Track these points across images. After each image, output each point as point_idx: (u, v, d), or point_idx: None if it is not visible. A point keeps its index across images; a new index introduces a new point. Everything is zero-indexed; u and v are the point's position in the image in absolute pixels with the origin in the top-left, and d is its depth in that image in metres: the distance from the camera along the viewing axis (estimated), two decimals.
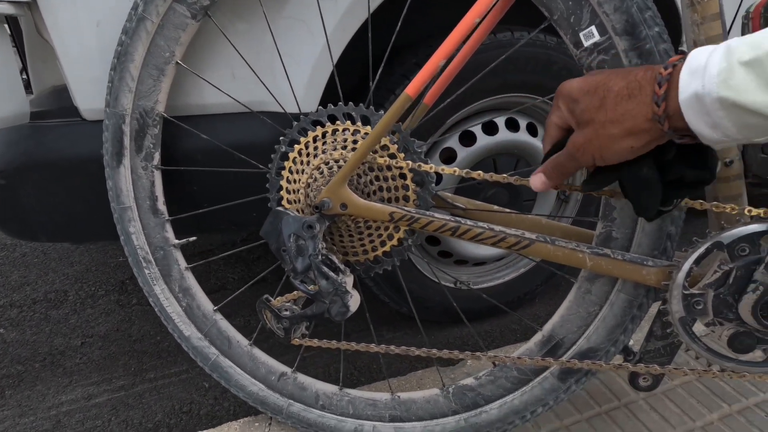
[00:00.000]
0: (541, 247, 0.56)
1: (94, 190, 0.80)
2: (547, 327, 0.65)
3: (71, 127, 0.80)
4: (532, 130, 1.10)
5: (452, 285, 1.23)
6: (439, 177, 1.06)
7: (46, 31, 0.72)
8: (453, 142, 1.06)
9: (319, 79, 0.81)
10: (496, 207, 0.70)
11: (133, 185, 0.76)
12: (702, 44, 0.51)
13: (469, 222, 0.57)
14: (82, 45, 0.73)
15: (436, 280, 1.19)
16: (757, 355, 0.53)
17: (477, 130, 1.06)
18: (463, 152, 1.05)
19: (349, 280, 0.60)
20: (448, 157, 1.06)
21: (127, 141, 0.74)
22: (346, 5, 0.76)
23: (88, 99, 0.77)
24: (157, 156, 0.76)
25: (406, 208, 0.58)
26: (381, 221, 0.59)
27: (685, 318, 0.53)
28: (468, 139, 1.06)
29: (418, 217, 0.57)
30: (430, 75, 0.54)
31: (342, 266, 0.60)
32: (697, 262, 0.52)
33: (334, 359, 1.17)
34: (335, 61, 0.79)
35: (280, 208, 0.59)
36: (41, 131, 0.80)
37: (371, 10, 0.75)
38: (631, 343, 0.69)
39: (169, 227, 0.79)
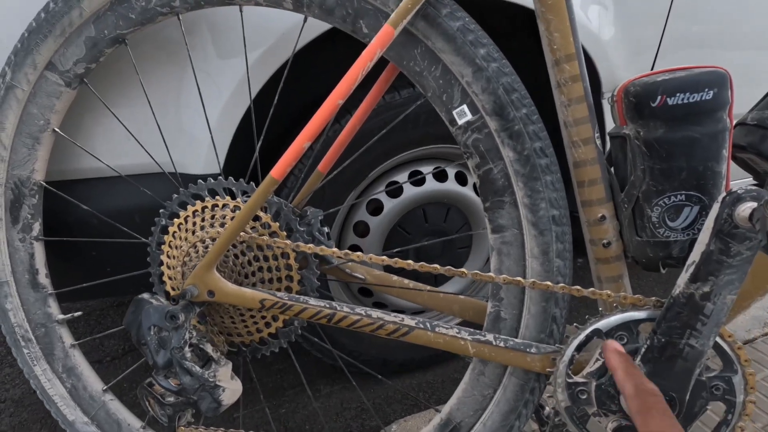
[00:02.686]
0: (421, 334, 0.53)
1: None
2: (446, 409, 0.61)
3: None
4: (461, 179, 1.09)
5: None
6: (367, 228, 1.03)
7: None
8: (380, 194, 1.03)
9: (221, 138, 0.78)
10: (394, 278, 0.67)
11: (10, 258, 0.70)
12: (570, 126, 0.50)
13: (345, 309, 0.54)
14: None
15: None
16: None
17: (403, 180, 1.04)
18: (389, 203, 1.03)
19: (224, 371, 0.55)
20: (376, 207, 1.03)
21: (1, 212, 0.68)
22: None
23: None
24: (36, 226, 0.70)
25: (278, 295, 0.54)
26: (254, 308, 0.54)
27: (571, 408, 0.50)
28: (395, 189, 1.04)
29: (291, 305, 0.53)
30: (295, 157, 0.51)
31: (216, 355, 0.55)
32: (578, 349, 0.49)
33: None
34: (237, 122, 0.76)
35: (143, 296, 0.54)
36: None
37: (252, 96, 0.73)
38: (546, 411, 0.66)
39: (52, 302, 0.73)
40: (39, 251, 0.71)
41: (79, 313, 0.74)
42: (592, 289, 0.49)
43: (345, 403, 1.18)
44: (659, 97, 0.43)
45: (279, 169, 0.51)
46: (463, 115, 0.52)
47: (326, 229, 0.68)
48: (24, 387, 1.29)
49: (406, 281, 0.66)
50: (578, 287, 0.49)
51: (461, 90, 0.52)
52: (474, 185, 1.11)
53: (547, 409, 0.65)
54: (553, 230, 0.51)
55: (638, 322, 0.47)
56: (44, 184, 0.69)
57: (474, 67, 0.50)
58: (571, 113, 0.50)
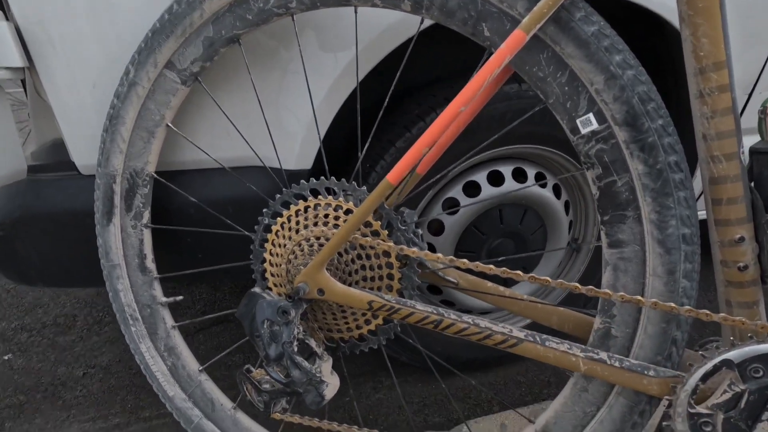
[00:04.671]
0: (530, 347, 0.52)
1: (89, 242, 0.80)
2: (540, 421, 0.60)
3: (68, 181, 0.80)
4: (540, 180, 1.05)
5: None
6: (441, 226, 1.03)
7: (44, 91, 0.72)
8: (456, 192, 1.02)
9: (314, 135, 0.79)
10: (489, 284, 0.66)
11: (123, 243, 0.75)
12: (712, 139, 0.47)
13: (453, 316, 0.54)
14: (79, 105, 0.74)
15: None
16: None
17: (482, 180, 1.02)
18: (466, 202, 1.01)
19: (326, 366, 0.57)
20: (451, 205, 1.02)
21: (117, 200, 0.73)
22: (344, 63, 0.74)
23: (84, 155, 0.78)
24: (146, 214, 0.75)
25: (386, 297, 0.54)
26: (361, 309, 0.56)
27: None
28: (473, 189, 1.02)
29: (399, 308, 0.53)
30: (413, 162, 0.51)
31: (320, 351, 0.57)
32: (703, 379, 0.46)
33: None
34: (333, 115, 0.77)
35: (255, 290, 0.57)
36: (39, 185, 0.80)
37: (362, 72, 0.73)
38: None
39: (157, 285, 0.78)
40: (147, 237, 0.76)
41: (181, 297, 0.79)
42: (723, 314, 0.46)
43: (407, 397, 1.19)
44: None
45: (395, 174, 0.51)
46: (588, 124, 0.50)
47: (420, 231, 0.68)
48: (110, 355, 1.40)
49: (501, 288, 0.65)
50: (707, 311, 0.46)
51: (588, 98, 0.49)
52: (554, 187, 1.07)
53: None
54: (683, 249, 0.48)
55: None
56: (155, 175, 0.74)
57: (607, 74, 0.48)
58: (714, 126, 0.46)
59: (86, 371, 1.35)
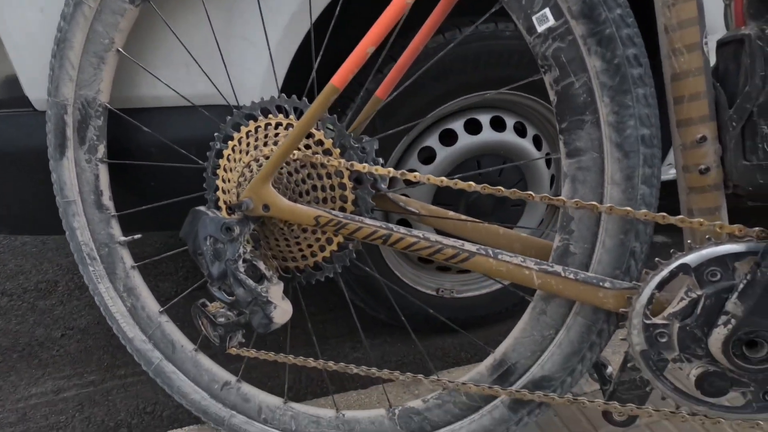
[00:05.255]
0: (482, 261, 0.49)
1: (48, 183, 0.77)
2: (500, 350, 0.57)
3: (22, 118, 0.77)
4: (520, 130, 1.02)
5: (434, 293, 1.16)
6: (433, 155, 0.99)
7: None
8: (433, 141, 0.99)
9: (278, 67, 0.76)
10: (451, 213, 0.63)
11: (77, 178, 0.73)
12: (673, 30, 0.43)
13: (402, 230, 0.51)
14: (27, 32, 0.70)
15: (415, 286, 1.13)
16: (734, 397, 0.44)
17: (459, 128, 0.99)
18: (443, 152, 0.98)
19: (275, 289, 0.55)
20: (428, 156, 0.99)
21: (69, 132, 0.71)
22: None
23: (37, 88, 0.75)
24: (101, 149, 0.72)
25: (333, 213, 0.52)
26: (308, 225, 0.53)
27: (648, 351, 0.45)
28: (450, 138, 0.99)
29: (346, 223, 0.51)
30: (357, 63, 0.48)
31: (269, 273, 0.55)
32: (659, 287, 0.44)
33: (282, 368, 1.11)
34: (294, 50, 0.74)
35: (199, 208, 0.54)
36: None
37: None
38: (609, 370, 0.61)
39: (114, 223, 0.75)
40: (103, 173, 0.73)
41: (139, 235, 0.76)
42: (681, 216, 0.43)
43: (385, 356, 1.18)
44: None
45: (340, 77, 0.48)
46: (544, 20, 0.47)
47: (381, 160, 0.65)
48: (89, 317, 1.39)
49: (463, 216, 0.63)
50: (664, 214, 0.44)
51: None
52: (534, 139, 1.03)
53: (610, 368, 0.61)
54: (642, 152, 0.45)
55: (735, 256, 0.41)
56: (109, 106, 0.71)
57: None
58: (676, 14, 0.43)
59: (64, 333, 1.34)
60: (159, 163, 0.75)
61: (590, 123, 0.47)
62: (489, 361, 0.58)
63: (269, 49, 0.66)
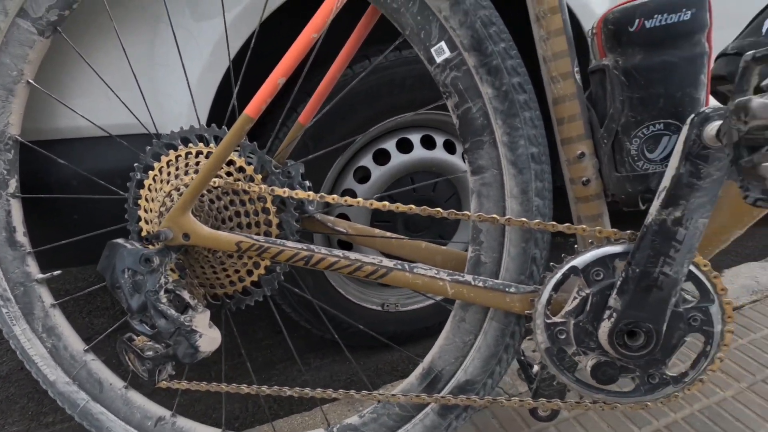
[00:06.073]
0: (399, 275, 0.52)
1: None
2: (427, 359, 0.60)
3: None
4: (449, 148, 1.08)
5: (380, 308, 1.18)
6: (354, 195, 1.02)
7: None
8: (367, 161, 1.02)
9: (203, 96, 0.76)
10: (377, 231, 0.66)
11: None
12: (549, 61, 0.49)
13: (323, 251, 0.53)
14: None
15: (361, 303, 1.14)
16: (625, 383, 0.50)
17: (392, 148, 1.03)
18: (377, 171, 1.02)
19: (201, 318, 0.54)
20: (363, 176, 1.02)
21: None
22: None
23: None
24: (13, 183, 0.69)
25: (254, 237, 0.53)
26: (231, 251, 0.53)
27: (551, 348, 0.50)
28: (383, 157, 1.03)
29: (268, 247, 0.52)
30: (269, 94, 0.50)
31: (193, 302, 0.55)
32: (555, 288, 0.48)
33: (229, 397, 1.09)
34: (219, 79, 0.75)
35: (117, 240, 0.53)
36: None
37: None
38: (534, 369, 0.66)
39: (31, 260, 0.71)
40: (16, 208, 0.70)
41: (59, 271, 0.73)
42: (567, 224, 0.48)
43: (335, 375, 1.17)
44: (637, 21, 0.42)
45: (253, 107, 0.50)
46: (441, 52, 0.51)
47: (307, 183, 0.67)
48: (11, 363, 1.28)
49: (388, 234, 0.66)
50: (554, 222, 0.49)
51: (439, 26, 0.51)
52: (462, 154, 1.10)
53: (536, 367, 0.65)
54: (532, 168, 0.51)
55: (614, 256, 0.46)
56: (20, 139, 0.68)
57: (450, 0, 0.49)
58: (551, 47, 0.49)
59: None
60: (73, 196, 0.73)
61: (488, 143, 0.52)
62: (418, 370, 0.61)
63: (186, 77, 0.67)
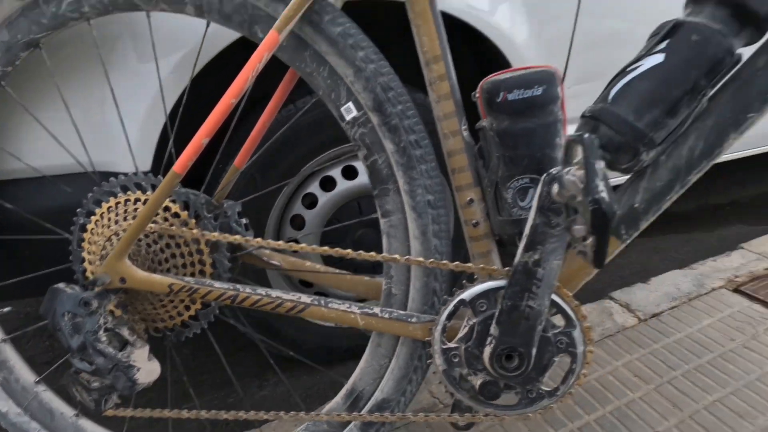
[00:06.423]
0: (316, 310, 0.59)
1: None
2: (351, 379, 0.67)
3: None
4: None
5: (333, 324, 1.24)
6: (303, 220, 1.08)
7: None
8: (314, 188, 1.08)
9: (148, 136, 0.81)
10: (308, 264, 0.73)
11: None
12: (441, 120, 0.57)
13: (247, 290, 0.59)
14: None
15: (314, 320, 1.20)
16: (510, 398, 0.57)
17: (337, 175, 1.09)
18: (324, 197, 1.08)
19: (140, 352, 0.60)
20: (312, 201, 1.09)
21: None
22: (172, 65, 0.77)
23: None
24: None
25: (184, 279, 0.58)
26: (163, 293, 0.59)
27: (448, 370, 0.57)
28: (330, 183, 1.09)
29: (197, 288, 0.58)
30: (195, 152, 0.56)
31: (132, 339, 0.60)
32: (449, 318, 0.56)
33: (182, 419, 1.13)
34: (163, 121, 0.80)
35: (58, 285, 0.58)
36: None
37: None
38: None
39: None
40: None
41: (9, 308, 0.76)
42: (456, 263, 0.56)
43: (293, 390, 1.23)
44: (502, 94, 0.50)
45: (180, 164, 0.56)
46: (349, 111, 0.58)
47: (244, 220, 0.73)
48: None
49: (317, 266, 0.72)
50: (445, 261, 0.56)
51: (347, 89, 0.58)
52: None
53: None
54: (430, 213, 0.58)
55: (495, 290, 0.54)
56: None
57: (355, 68, 0.56)
58: (441, 108, 0.56)
59: None
60: (18, 237, 0.77)
61: (393, 191, 0.59)
62: (343, 390, 0.67)
63: (121, 121, 0.72)
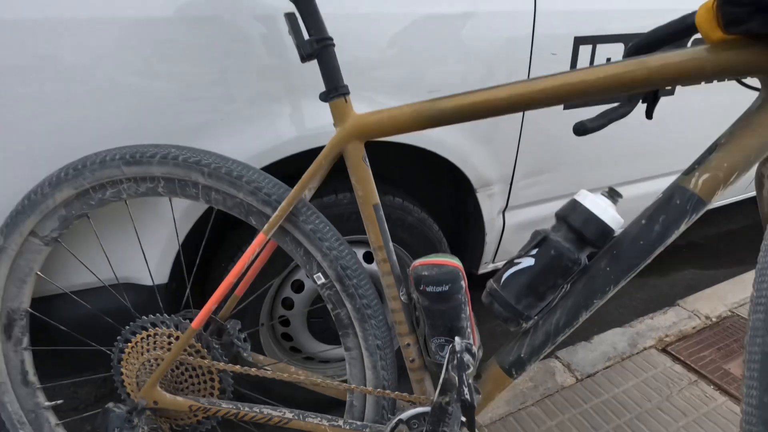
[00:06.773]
0: (297, 423, 0.81)
1: None
2: None
3: None
4: (368, 258, 1.36)
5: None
6: (292, 302, 1.30)
7: None
8: (302, 275, 1.30)
9: (167, 256, 1.03)
10: (292, 369, 0.95)
11: (6, 365, 0.94)
12: (385, 288, 0.79)
13: (246, 407, 0.81)
14: None
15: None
16: None
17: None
18: (309, 282, 1.30)
19: None
20: (299, 286, 1.30)
21: None
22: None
23: None
24: (25, 340, 0.94)
25: (201, 401, 0.81)
26: (185, 413, 0.81)
27: None
28: None
29: (209, 407, 0.80)
30: (209, 312, 0.77)
31: None
32: (392, 431, 0.78)
33: None
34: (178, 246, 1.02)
35: (109, 405, 0.80)
36: None
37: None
38: None
39: (40, 393, 0.97)
40: (28, 358, 0.95)
41: (61, 401, 0.99)
42: (397, 392, 0.78)
43: None
44: (422, 285, 0.72)
45: (197, 322, 0.77)
46: (319, 278, 0.80)
47: (243, 335, 0.95)
48: None
49: (292, 369, 0.94)
50: (388, 391, 0.78)
51: (317, 264, 0.79)
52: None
53: None
54: (378, 353, 0.80)
55: (423, 414, 0.76)
56: (30, 310, 0.94)
57: (322, 252, 0.78)
58: (385, 281, 0.78)
59: None
60: (70, 348, 0.98)
61: (352, 335, 0.81)
62: None
63: (142, 250, 0.93)
